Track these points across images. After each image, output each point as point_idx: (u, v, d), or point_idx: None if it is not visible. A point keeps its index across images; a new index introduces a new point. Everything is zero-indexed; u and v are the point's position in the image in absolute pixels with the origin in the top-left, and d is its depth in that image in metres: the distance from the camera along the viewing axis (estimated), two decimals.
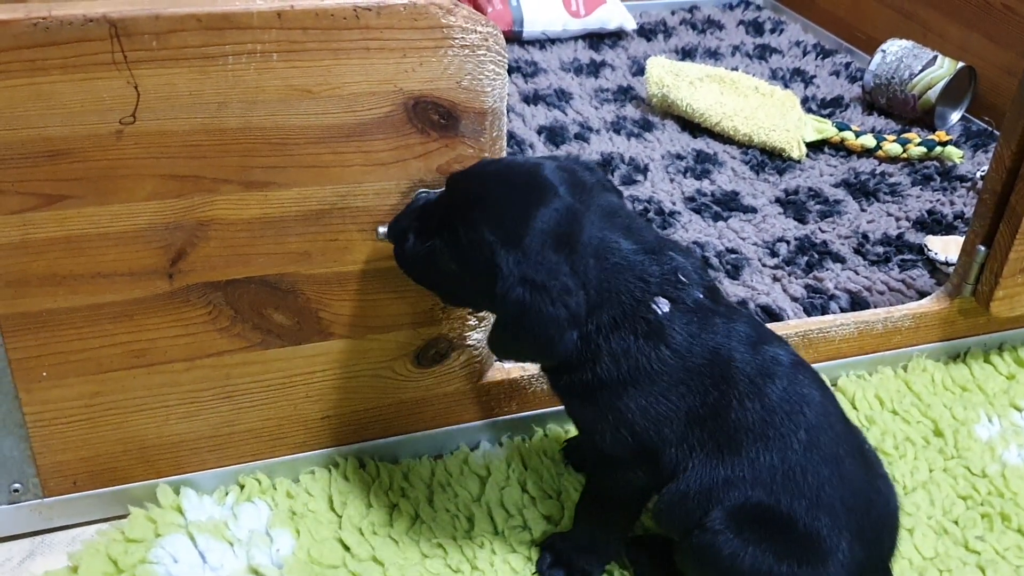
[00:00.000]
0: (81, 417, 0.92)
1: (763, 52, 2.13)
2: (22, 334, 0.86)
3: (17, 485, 0.94)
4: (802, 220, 1.51)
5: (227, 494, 1.01)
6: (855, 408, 1.18)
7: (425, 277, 0.88)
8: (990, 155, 1.16)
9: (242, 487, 1.01)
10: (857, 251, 1.43)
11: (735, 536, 0.81)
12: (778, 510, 0.81)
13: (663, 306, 0.81)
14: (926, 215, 1.52)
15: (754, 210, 1.53)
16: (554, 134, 1.72)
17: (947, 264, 1.36)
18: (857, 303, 1.31)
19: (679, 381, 0.81)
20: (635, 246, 0.81)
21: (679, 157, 1.68)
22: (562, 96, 1.88)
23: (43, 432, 0.92)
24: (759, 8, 2.40)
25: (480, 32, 0.86)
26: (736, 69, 1.97)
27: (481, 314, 1.00)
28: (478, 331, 1.02)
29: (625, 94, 1.91)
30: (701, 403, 0.82)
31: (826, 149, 1.73)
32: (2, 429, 0.90)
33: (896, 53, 1.83)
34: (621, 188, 1.12)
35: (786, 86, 1.95)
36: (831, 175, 1.65)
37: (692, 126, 1.78)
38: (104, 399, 0.92)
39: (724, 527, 0.82)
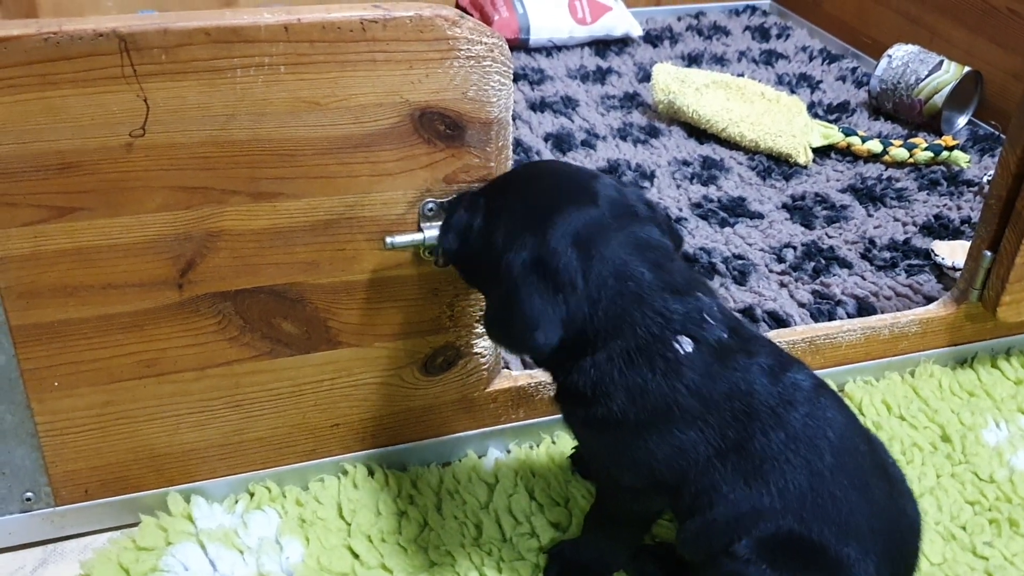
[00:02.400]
0: (92, 426, 0.93)
1: (769, 58, 2.13)
2: (34, 345, 0.87)
3: (29, 494, 0.95)
4: (809, 226, 1.51)
5: (237, 502, 1.01)
6: (862, 414, 1.18)
7: (456, 246, 0.88)
8: (996, 160, 1.16)
9: (252, 495, 1.02)
10: (864, 256, 1.43)
11: (767, 566, 0.79)
12: (808, 538, 0.79)
13: (687, 345, 0.79)
14: (933, 220, 1.52)
15: (761, 216, 1.53)
16: (561, 141, 1.73)
17: (954, 269, 1.36)
18: (864, 308, 1.30)
19: (699, 418, 0.79)
20: (659, 281, 0.79)
21: (685, 163, 1.68)
22: (569, 103, 1.88)
23: (55, 441, 0.92)
24: (765, 14, 2.40)
25: (485, 43, 0.86)
26: (742, 75, 1.97)
27: None
28: (485, 339, 1.02)
29: (631, 101, 1.91)
30: (722, 437, 0.80)
31: (832, 154, 1.73)
32: (14, 439, 0.91)
33: (902, 58, 1.83)
34: None
35: (792, 91, 1.95)
36: (838, 180, 1.65)
37: (698, 132, 1.78)
38: (115, 408, 0.93)
39: (755, 556, 0.79)
